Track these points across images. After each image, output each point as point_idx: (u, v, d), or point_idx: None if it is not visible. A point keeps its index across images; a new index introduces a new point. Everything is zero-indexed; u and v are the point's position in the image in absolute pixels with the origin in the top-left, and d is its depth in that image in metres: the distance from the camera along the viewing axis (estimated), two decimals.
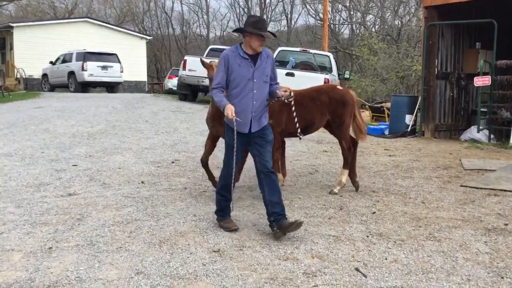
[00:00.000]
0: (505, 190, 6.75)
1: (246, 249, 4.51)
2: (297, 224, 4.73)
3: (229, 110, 4.76)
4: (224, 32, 52.57)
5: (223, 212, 5.18)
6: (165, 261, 4.21)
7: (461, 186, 7.14)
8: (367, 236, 4.95)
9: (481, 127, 12.46)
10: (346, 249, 4.58)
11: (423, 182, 7.44)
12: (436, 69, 13.40)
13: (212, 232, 4.95)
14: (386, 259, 4.36)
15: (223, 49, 20.57)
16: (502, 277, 3.95)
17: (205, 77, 17.08)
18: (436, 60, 13.44)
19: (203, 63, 6.01)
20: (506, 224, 5.27)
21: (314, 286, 3.77)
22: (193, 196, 6.36)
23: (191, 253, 4.39)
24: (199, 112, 15.18)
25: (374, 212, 5.78)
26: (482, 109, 12.42)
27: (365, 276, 3.98)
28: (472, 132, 12.63)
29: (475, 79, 12.05)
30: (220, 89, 4.96)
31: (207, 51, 19.85)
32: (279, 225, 4.76)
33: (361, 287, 3.77)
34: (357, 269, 4.10)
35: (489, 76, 11.78)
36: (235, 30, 6.49)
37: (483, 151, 10.76)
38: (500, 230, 5.12)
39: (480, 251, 4.55)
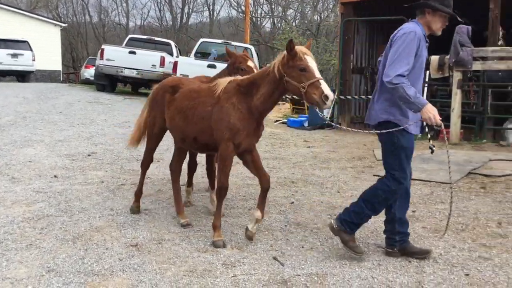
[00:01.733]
0: (413, 179, 7.14)
1: (165, 243, 4.45)
2: (425, 252, 4.29)
3: (435, 112, 3.86)
4: (145, 22, 51.31)
5: (354, 228, 4.29)
6: (79, 257, 4.05)
7: (373, 175, 7.48)
8: (285, 226, 5.07)
9: None
10: (264, 239, 4.66)
11: (339, 172, 7.73)
12: (352, 63, 13.94)
13: (129, 227, 4.83)
14: (302, 247, 4.49)
15: (143, 39, 20.17)
16: (410, 261, 4.19)
17: (124, 67, 16.80)
18: (352, 55, 13.99)
19: (228, 52, 5.65)
20: (414, 211, 5.60)
21: (233, 276, 3.80)
22: (110, 190, 6.17)
23: (107, 249, 4.26)
24: (118, 103, 14.74)
25: (293, 202, 5.93)
26: None
27: (282, 264, 4.07)
28: None
29: None
30: (407, 79, 3.91)
31: (126, 41, 19.29)
32: (403, 248, 4.28)
33: (278, 275, 3.85)
34: (275, 258, 4.19)
35: None
36: (417, 5, 4.17)
37: None
38: (408, 217, 5.43)
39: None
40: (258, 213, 4.52)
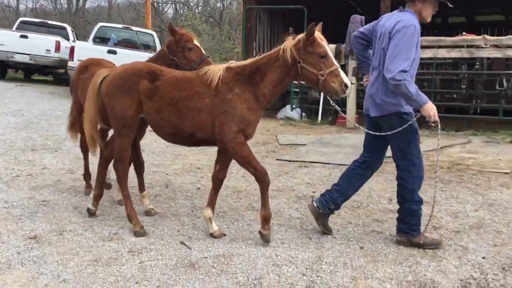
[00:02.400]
0: (313, 162, 7.53)
1: (66, 233, 4.30)
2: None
3: (434, 110, 3.94)
4: (37, 4, 48.05)
5: (418, 227, 4.28)
6: None
7: (277, 159, 7.75)
8: (192, 211, 5.11)
9: (294, 106, 13.60)
10: (171, 224, 4.67)
11: None
12: (254, 51, 14.18)
13: (27, 219, 4.60)
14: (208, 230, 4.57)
15: (36, 23, 18.92)
16: (310, 238, 4.44)
17: (16, 52, 15.68)
18: (254, 43, 14.24)
19: (172, 30, 4.92)
20: (314, 192, 5.90)
21: (140, 262, 3.78)
22: (4, 181, 5.80)
23: (3, 242, 4.03)
24: (9, 91, 13.76)
25: (199, 188, 5.98)
26: (294, 89, 13.54)
27: (189, 248, 4.11)
28: (287, 111, 13.72)
29: None
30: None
31: (17, 24, 18.04)
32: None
33: (185, 259, 3.89)
34: (182, 243, 4.22)
35: None
36: None
37: (296, 127, 11.79)
38: (309, 198, 5.72)
39: (292, 216, 5.05)
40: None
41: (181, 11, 41.67)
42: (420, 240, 4.20)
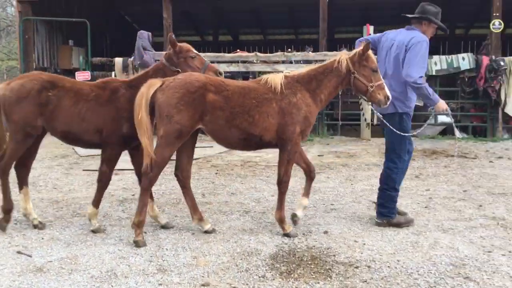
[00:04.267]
0: (122, 169, 7.80)
1: None
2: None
3: (446, 106, 4.90)
4: None
5: (395, 210, 5.06)
6: None
7: (83, 170, 7.79)
8: (15, 224, 4.99)
9: None
10: (0, 237, 4.54)
11: (47, 171, 7.70)
12: (34, 63, 13.50)
13: None
14: (43, 238, 4.59)
15: None
16: (146, 232, 4.82)
17: None
18: (34, 55, 13.55)
19: (172, 41, 4.91)
20: (133, 195, 6.26)
21: None
22: None
23: None
24: None
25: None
26: None
27: (30, 256, 4.13)
28: None
29: (76, 74, 12.83)
30: None
31: None
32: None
33: (30, 265, 3.93)
34: (19, 252, 4.20)
35: (89, 72, 12.79)
36: (420, 17, 4.98)
37: None
38: (130, 200, 6.08)
39: (121, 217, 5.36)
40: (305, 200, 5.06)
41: None
42: (397, 221, 5.01)
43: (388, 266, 3.99)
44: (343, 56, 4.70)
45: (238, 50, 13.44)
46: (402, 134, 4.90)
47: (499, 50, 11.96)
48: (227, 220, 5.28)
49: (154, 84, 4.47)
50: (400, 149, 4.99)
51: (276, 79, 4.64)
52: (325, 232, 4.84)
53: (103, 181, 4.89)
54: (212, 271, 3.89)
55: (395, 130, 4.88)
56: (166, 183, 6.98)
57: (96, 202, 4.85)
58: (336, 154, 9.72)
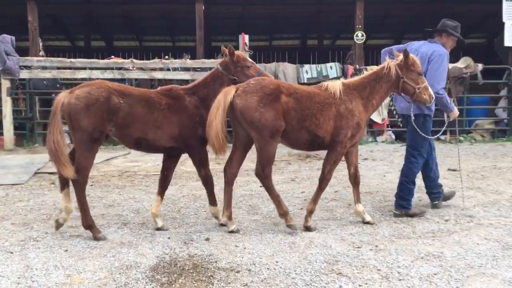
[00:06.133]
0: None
1: None
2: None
3: (458, 113, 5.71)
4: None
5: (412, 202, 5.66)
6: None
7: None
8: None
9: None
10: None
11: None
12: None
13: None
14: None
15: None
16: (12, 252, 4.45)
17: None
18: None
19: (231, 51, 5.23)
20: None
21: None
22: None
23: None
24: None
25: None
26: None
27: None
28: None
29: None
30: None
31: None
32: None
33: None
34: None
35: None
36: (441, 30, 5.66)
37: None
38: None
39: None
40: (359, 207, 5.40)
41: None
42: (413, 212, 5.59)
43: (268, 268, 4.10)
44: (390, 63, 5.16)
45: (113, 56, 12.98)
46: (426, 136, 5.52)
47: (363, 60, 12.97)
48: (104, 233, 5.04)
49: (229, 91, 4.80)
50: (422, 146, 5.61)
51: (335, 86, 5.07)
52: (207, 239, 4.85)
53: (209, 183, 5.26)
54: None
55: (419, 131, 5.44)
56: (35, 198, 6.50)
57: (212, 201, 5.32)
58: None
